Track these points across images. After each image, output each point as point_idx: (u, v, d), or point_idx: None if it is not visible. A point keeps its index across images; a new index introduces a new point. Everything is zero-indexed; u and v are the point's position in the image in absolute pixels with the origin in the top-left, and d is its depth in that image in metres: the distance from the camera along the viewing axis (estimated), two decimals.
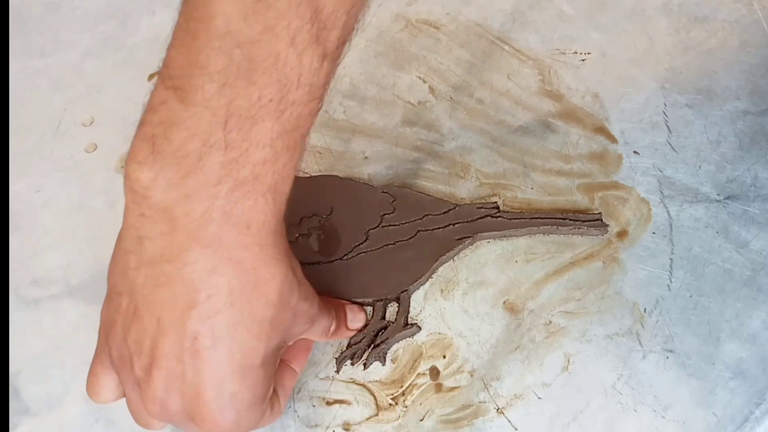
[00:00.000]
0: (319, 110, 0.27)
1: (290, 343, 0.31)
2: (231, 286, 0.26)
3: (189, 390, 0.27)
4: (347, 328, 0.35)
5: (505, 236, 0.38)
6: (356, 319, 0.35)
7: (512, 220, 0.37)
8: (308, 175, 0.40)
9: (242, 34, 0.24)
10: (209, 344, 0.26)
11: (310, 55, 0.25)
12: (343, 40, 0.27)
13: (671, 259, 0.37)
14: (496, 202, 0.39)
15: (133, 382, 0.28)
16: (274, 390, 0.30)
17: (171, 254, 0.26)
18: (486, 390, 0.34)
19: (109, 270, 0.28)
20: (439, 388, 0.34)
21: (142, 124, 0.26)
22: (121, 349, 0.28)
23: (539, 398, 0.34)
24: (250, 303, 0.27)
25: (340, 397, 0.34)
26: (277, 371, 0.31)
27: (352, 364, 0.35)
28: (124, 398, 0.30)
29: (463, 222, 0.37)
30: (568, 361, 0.34)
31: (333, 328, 0.33)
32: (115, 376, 0.29)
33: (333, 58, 0.27)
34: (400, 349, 0.35)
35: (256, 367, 0.27)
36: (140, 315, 0.27)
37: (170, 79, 0.25)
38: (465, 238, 0.37)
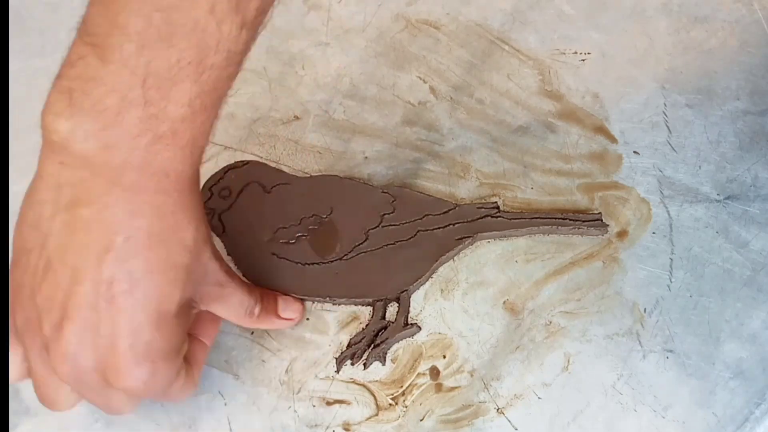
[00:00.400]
0: (237, 73, 0.28)
1: (202, 307, 0.30)
2: (150, 230, 0.27)
3: (103, 342, 0.27)
4: (279, 316, 0.35)
5: (505, 236, 0.38)
6: (289, 309, 0.35)
7: (512, 220, 0.37)
8: (308, 175, 0.40)
9: (162, 0, 0.25)
10: (126, 288, 0.27)
11: (229, 24, 0.26)
12: (263, 10, 0.28)
13: (671, 259, 0.37)
14: (496, 202, 0.39)
15: (40, 346, 0.28)
16: (187, 362, 0.31)
17: (90, 198, 0.26)
18: (486, 390, 0.34)
19: (16, 229, 0.28)
20: (439, 388, 0.34)
21: (58, 77, 0.26)
22: (28, 312, 0.28)
23: (539, 398, 0.34)
24: (168, 247, 0.27)
25: (340, 397, 0.34)
26: (189, 345, 0.31)
27: (352, 364, 0.35)
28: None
29: (463, 222, 0.37)
30: (568, 361, 0.34)
31: (257, 311, 0.33)
32: (21, 350, 0.29)
33: (252, 26, 0.28)
34: (400, 349, 0.35)
35: (171, 316, 0.28)
36: (53, 268, 0.27)
37: (88, 35, 0.26)
38: (465, 238, 0.37)
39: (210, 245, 0.30)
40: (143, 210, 0.27)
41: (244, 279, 0.34)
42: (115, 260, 0.26)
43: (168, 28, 0.25)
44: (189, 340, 0.32)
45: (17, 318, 0.28)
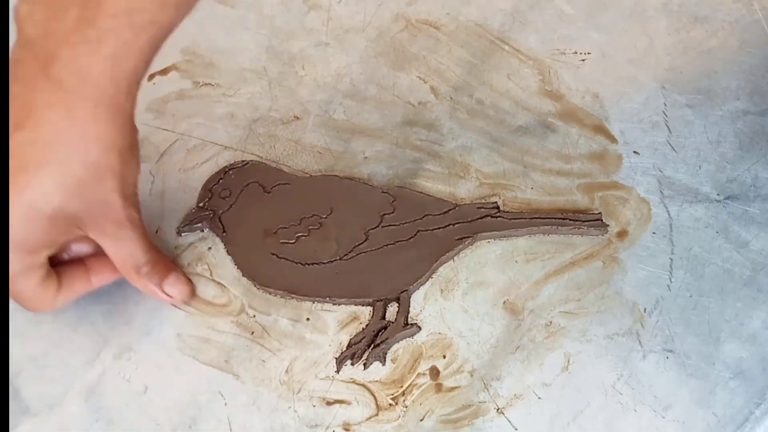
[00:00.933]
0: (176, 6, 0.30)
1: (90, 234, 0.31)
2: (57, 126, 0.29)
3: None
4: (161, 288, 0.34)
5: (505, 236, 0.38)
6: (175, 286, 0.35)
7: (512, 220, 0.37)
8: (308, 175, 0.40)
9: None
10: (15, 168, 0.29)
11: None
12: None
13: (671, 259, 0.37)
14: (496, 202, 0.39)
15: None
16: (58, 278, 0.32)
17: (22, 77, 0.29)
18: (486, 390, 0.34)
19: None
20: (439, 388, 0.34)
21: None
22: None
23: (539, 398, 0.34)
24: (67, 151, 0.29)
25: (340, 397, 0.34)
26: (72, 268, 0.33)
27: (352, 364, 0.35)
28: None
29: (463, 222, 0.37)
30: (568, 361, 0.34)
31: (145, 270, 0.33)
32: None
33: None
34: (400, 349, 0.35)
35: (41, 215, 0.29)
36: None
37: None
38: (465, 238, 0.37)
39: (119, 179, 0.31)
40: (57, 104, 0.29)
41: (148, 238, 0.34)
42: (19, 139, 0.29)
43: None
44: (75, 266, 0.33)
45: None
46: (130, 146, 0.31)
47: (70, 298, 0.34)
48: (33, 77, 0.29)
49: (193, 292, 0.36)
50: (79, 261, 0.34)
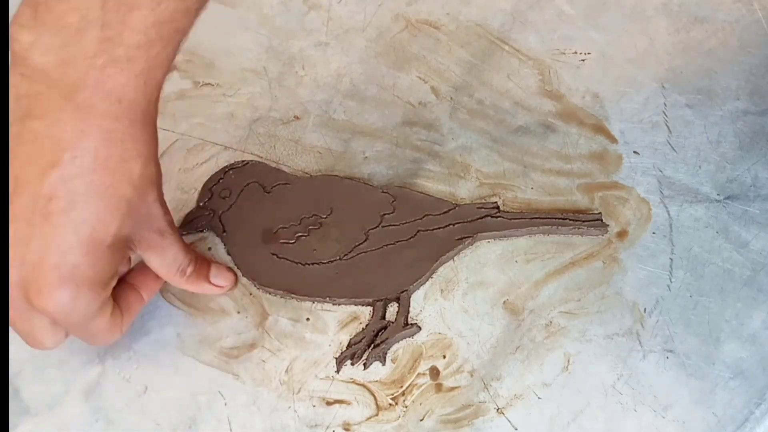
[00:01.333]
0: (196, 11, 0.29)
1: (138, 251, 0.30)
2: (98, 153, 0.27)
3: (31, 257, 0.27)
4: (209, 281, 0.34)
5: (505, 236, 0.38)
6: (221, 275, 0.35)
7: (512, 220, 0.37)
8: (308, 175, 0.40)
9: None
10: (63, 207, 0.27)
11: None
12: None
13: (671, 259, 0.37)
14: (496, 202, 0.38)
15: None
16: (118, 306, 0.31)
17: (42, 112, 0.27)
18: (486, 390, 0.34)
19: None
20: (439, 388, 0.34)
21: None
22: None
23: (539, 398, 0.34)
24: (113, 175, 0.28)
25: (340, 397, 0.34)
26: (124, 291, 0.32)
27: (352, 364, 0.35)
28: None
29: (463, 222, 0.37)
30: (568, 361, 0.34)
31: (190, 270, 0.33)
32: None
33: None
34: (400, 349, 0.35)
35: (104, 246, 0.28)
36: None
37: None
38: (465, 238, 0.37)
39: (157, 189, 0.30)
40: (93, 131, 0.27)
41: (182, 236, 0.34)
42: (58, 177, 0.27)
43: None
44: (126, 289, 0.32)
45: None
46: (157, 150, 0.30)
47: (132, 321, 0.33)
48: (57, 109, 0.27)
49: (236, 277, 0.36)
50: (123, 282, 0.33)
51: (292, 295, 0.36)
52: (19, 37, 0.27)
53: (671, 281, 0.36)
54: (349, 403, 0.34)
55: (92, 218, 0.27)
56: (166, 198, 0.39)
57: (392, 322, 0.36)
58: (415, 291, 0.36)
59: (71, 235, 0.27)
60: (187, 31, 0.29)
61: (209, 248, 0.38)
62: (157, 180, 0.30)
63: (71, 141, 0.27)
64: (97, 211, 0.28)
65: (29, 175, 0.27)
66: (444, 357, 0.35)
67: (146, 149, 0.29)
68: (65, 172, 0.27)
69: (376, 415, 0.34)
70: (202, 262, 0.34)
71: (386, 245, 0.37)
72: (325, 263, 0.37)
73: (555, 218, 0.37)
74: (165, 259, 0.32)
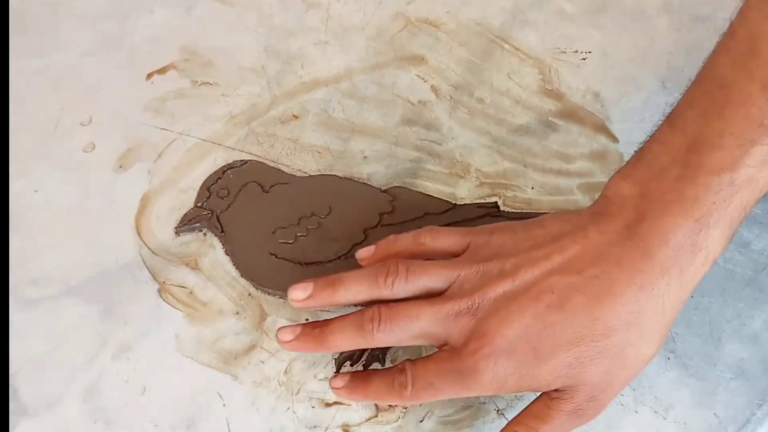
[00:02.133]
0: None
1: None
2: (632, 289, 0.28)
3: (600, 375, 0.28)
4: None
5: None
6: None
7: (512, 220, 0.37)
8: (307, 175, 0.40)
9: (726, 79, 0.29)
10: (628, 342, 0.29)
11: None
12: None
13: None
14: (496, 202, 0.38)
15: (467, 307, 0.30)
16: None
17: (603, 228, 0.30)
18: None
19: (547, 216, 0.32)
20: None
21: (642, 143, 0.31)
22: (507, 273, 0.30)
23: None
24: (654, 325, 0.29)
25: (339, 399, 0.34)
26: None
27: (352, 365, 0.35)
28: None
29: (463, 222, 0.37)
30: None
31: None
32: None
33: None
34: (400, 349, 0.35)
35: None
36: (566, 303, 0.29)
37: (672, 114, 0.31)
38: None
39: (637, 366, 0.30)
40: (627, 262, 0.29)
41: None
42: (579, 280, 0.29)
43: (725, 100, 0.28)
44: None
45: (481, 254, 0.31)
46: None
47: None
48: (615, 231, 0.29)
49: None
50: None
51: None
52: (617, 188, 0.31)
53: None
54: (348, 405, 0.34)
55: (644, 346, 0.29)
56: (165, 198, 0.40)
57: None
58: None
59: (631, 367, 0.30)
60: (761, 187, 0.29)
61: (208, 248, 0.38)
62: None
63: (606, 260, 0.29)
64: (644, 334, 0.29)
65: (557, 263, 0.29)
66: None
67: (657, 316, 0.29)
68: (576, 282, 0.29)
69: (376, 416, 0.33)
70: None
71: None
72: (324, 263, 0.36)
73: None
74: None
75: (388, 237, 0.33)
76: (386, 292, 0.31)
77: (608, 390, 0.29)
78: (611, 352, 0.28)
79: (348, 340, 0.31)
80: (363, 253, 0.33)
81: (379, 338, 0.30)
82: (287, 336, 0.32)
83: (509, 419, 0.33)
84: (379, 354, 0.35)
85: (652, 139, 0.31)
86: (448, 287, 0.31)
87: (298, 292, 0.32)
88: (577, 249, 0.30)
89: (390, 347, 0.35)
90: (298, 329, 0.32)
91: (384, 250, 0.33)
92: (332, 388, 0.32)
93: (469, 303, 0.30)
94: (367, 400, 0.33)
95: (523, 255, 0.30)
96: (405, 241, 0.33)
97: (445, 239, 0.33)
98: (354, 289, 0.32)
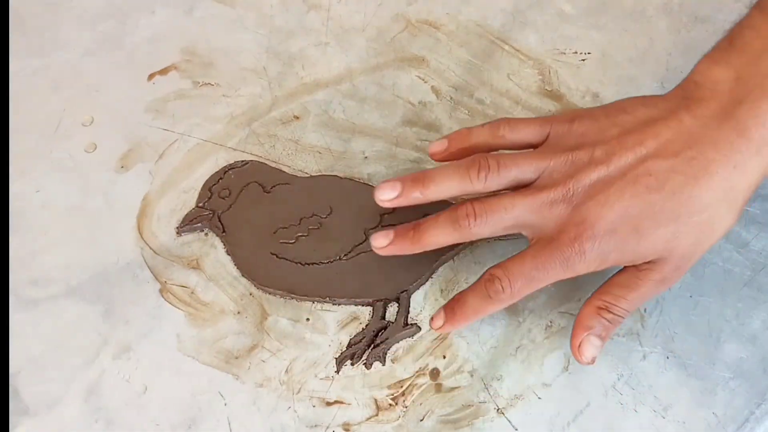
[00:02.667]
0: None
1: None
2: (709, 164, 0.30)
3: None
4: None
5: (506, 238, 0.37)
6: None
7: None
8: (308, 175, 0.40)
9: None
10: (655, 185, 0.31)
11: None
12: None
13: None
14: None
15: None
16: None
17: (694, 110, 0.31)
18: (486, 390, 0.34)
19: (627, 101, 0.33)
20: (439, 388, 0.34)
21: (729, 30, 0.33)
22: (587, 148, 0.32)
23: (539, 398, 0.34)
24: (724, 181, 0.30)
25: (339, 398, 0.34)
26: None
27: (352, 364, 0.35)
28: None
29: None
30: (568, 361, 0.34)
31: None
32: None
33: None
34: (400, 349, 0.35)
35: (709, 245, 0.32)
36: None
37: (760, 0, 0.32)
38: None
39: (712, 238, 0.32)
40: (722, 144, 0.30)
41: None
42: (668, 165, 0.30)
43: None
44: None
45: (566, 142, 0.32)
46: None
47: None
48: (710, 116, 0.31)
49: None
50: None
51: (292, 296, 0.36)
52: (709, 73, 0.32)
53: None
54: (348, 404, 0.34)
55: (724, 221, 0.31)
56: (167, 198, 0.40)
57: (392, 322, 0.35)
58: (415, 291, 0.36)
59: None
60: None
61: (209, 248, 0.38)
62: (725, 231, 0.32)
63: (699, 142, 0.30)
64: (719, 209, 0.31)
65: (652, 148, 0.31)
66: (444, 357, 0.35)
67: (744, 191, 0.31)
68: (675, 165, 0.30)
69: (376, 415, 0.34)
70: None
71: None
72: (325, 263, 0.36)
73: None
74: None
75: (459, 130, 0.35)
76: (479, 186, 0.32)
77: (692, 259, 0.32)
78: (704, 225, 0.30)
79: (444, 237, 0.32)
80: (435, 147, 0.35)
81: (476, 232, 0.32)
82: (382, 241, 0.33)
83: (509, 419, 0.33)
84: (380, 353, 0.35)
85: (743, 24, 0.32)
86: (538, 177, 0.32)
87: (387, 192, 0.33)
88: (671, 133, 0.31)
89: (390, 346, 0.35)
90: (391, 233, 0.33)
91: (458, 143, 0.34)
92: (435, 328, 0.34)
93: (564, 191, 0.31)
94: (470, 321, 0.33)
95: (615, 142, 0.31)
96: (481, 133, 0.34)
97: (524, 130, 0.34)
98: (445, 185, 0.33)
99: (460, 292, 0.33)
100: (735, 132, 0.30)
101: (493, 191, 0.33)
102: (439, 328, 0.34)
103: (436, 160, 0.35)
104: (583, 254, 0.31)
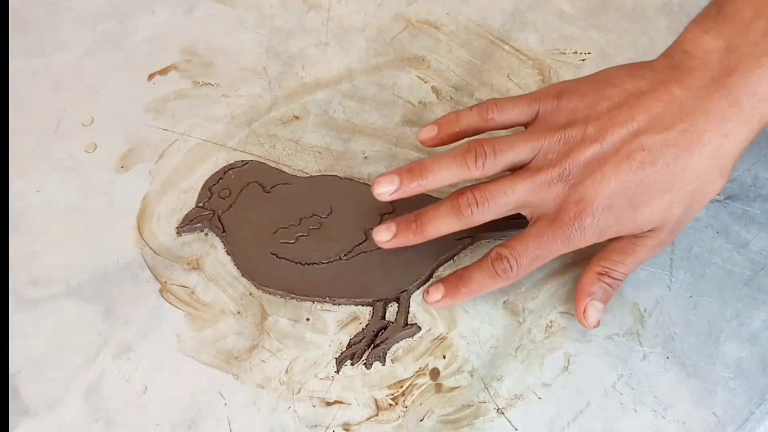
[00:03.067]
0: None
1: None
2: (701, 135, 0.31)
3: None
4: None
5: (505, 236, 0.38)
6: None
7: (512, 220, 0.37)
8: (308, 175, 0.40)
9: None
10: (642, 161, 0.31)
11: None
12: None
13: (671, 259, 0.37)
14: None
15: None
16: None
17: (688, 82, 0.31)
18: (486, 390, 0.34)
19: (612, 72, 0.33)
20: (439, 388, 0.34)
21: (713, 2, 0.33)
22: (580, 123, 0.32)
23: (539, 398, 0.34)
24: (690, 163, 0.31)
25: (339, 398, 0.34)
26: None
27: (352, 364, 0.35)
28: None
29: None
30: (568, 361, 0.34)
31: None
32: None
33: None
34: (400, 349, 0.35)
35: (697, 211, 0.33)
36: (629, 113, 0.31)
37: None
38: (465, 238, 0.37)
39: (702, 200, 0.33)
40: (714, 115, 0.30)
41: None
42: (662, 139, 0.30)
43: None
44: None
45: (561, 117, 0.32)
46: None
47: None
48: (700, 86, 0.31)
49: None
50: None
51: (292, 295, 0.36)
52: (699, 41, 0.31)
53: (671, 281, 0.36)
54: (348, 404, 0.34)
55: (712, 185, 0.32)
56: (167, 198, 0.40)
57: (392, 322, 0.36)
58: (415, 291, 0.36)
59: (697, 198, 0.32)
60: None
61: (209, 248, 0.38)
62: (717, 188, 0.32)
63: (693, 114, 0.30)
64: (712, 177, 0.31)
65: (643, 122, 0.31)
66: (444, 357, 0.35)
67: (729, 160, 0.31)
68: (668, 138, 0.30)
69: (376, 415, 0.34)
70: None
71: None
72: (325, 263, 0.36)
73: None
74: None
75: (448, 114, 0.35)
76: (476, 173, 0.33)
77: (686, 222, 0.33)
78: (696, 192, 0.31)
79: (448, 225, 0.33)
80: (425, 134, 0.35)
81: (478, 218, 0.33)
82: (385, 235, 0.34)
83: (509, 419, 0.33)
84: (380, 353, 0.35)
85: None
86: (533, 158, 0.32)
87: (385, 185, 0.33)
88: (662, 106, 0.31)
89: (390, 346, 0.35)
90: (393, 226, 0.34)
91: (447, 129, 0.35)
92: (430, 303, 0.34)
93: (560, 170, 0.32)
94: (473, 297, 0.34)
95: (605, 117, 0.32)
96: (470, 117, 0.34)
97: (513, 111, 0.34)
98: (442, 174, 0.33)
99: (463, 269, 0.34)
100: (726, 102, 0.30)
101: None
102: (436, 302, 0.34)
103: (427, 146, 0.36)
104: (583, 231, 0.31)
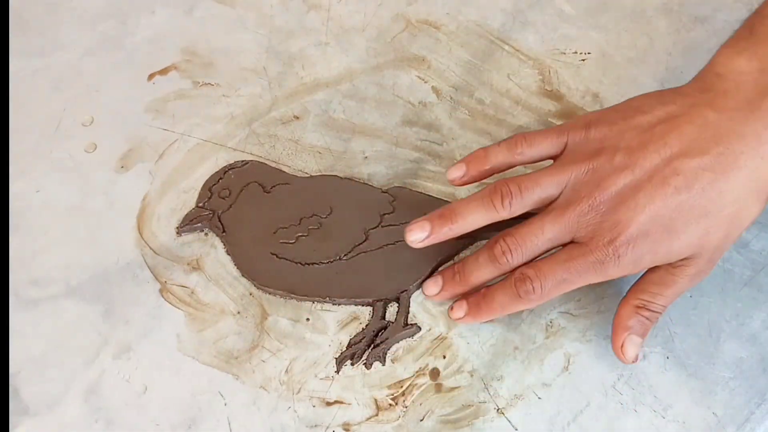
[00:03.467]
0: None
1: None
2: (737, 159, 0.30)
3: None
4: None
5: None
6: None
7: (512, 220, 0.37)
8: (308, 175, 0.40)
9: None
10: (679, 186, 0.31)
11: None
12: None
13: None
14: None
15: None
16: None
17: (721, 106, 0.31)
18: (486, 390, 0.34)
19: (641, 99, 0.33)
20: (439, 388, 0.34)
21: (748, 20, 0.33)
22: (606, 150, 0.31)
23: (539, 398, 0.34)
24: (719, 189, 0.30)
25: (339, 398, 0.34)
26: None
27: (352, 364, 0.35)
28: None
29: None
30: (568, 361, 0.34)
31: None
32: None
33: None
34: (400, 349, 0.35)
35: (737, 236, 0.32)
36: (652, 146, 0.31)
37: None
38: (465, 238, 0.37)
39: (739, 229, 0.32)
40: (749, 140, 0.30)
41: None
42: (694, 164, 0.30)
43: None
44: None
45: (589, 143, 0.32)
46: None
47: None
48: (736, 108, 0.30)
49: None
50: None
51: (292, 295, 0.36)
52: (730, 64, 0.32)
53: None
54: (348, 404, 0.34)
55: (749, 211, 0.31)
56: (167, 198, 0.40)
57: (392, 322, 0.36)
58: (415, 291, 0.36)
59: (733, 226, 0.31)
60: None
61: (209, 248, 0.38)
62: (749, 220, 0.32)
63: (726, 137, 0.30)
64: (750, 206, 0.31)
65: (677, 147, 0.30)
66: (444, 357, 0.35)
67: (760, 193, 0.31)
68: (703, 163, 0.30)
69: (376, 415, 0.34)
70: None
71: (386, 245, 0.37)
72: (325, 263, 0.36)
73: None
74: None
75: (476, 152, 0.35)
76: (504, 214, 0.33)
77: (724, 249, 0.32)
78: (733, 217, 0.31)
79: (488, 273, 0.33)
80: (454, 173, 0.35)
81: (516, 262, 0.33)
82: (433, 290, 0.35)
83: (509, 419, 0.33)
84: (380, 353, 0.35)
85: (762, 13, 0.31)
86: (561, 192, 0.32)
87: (417, 233, 0.33)
88: (695, 130, 0.30)
89: (390, 346, 0.35)
90: (440, 280, 0.35)
91: (476, 166, 0.34)
92: (454, 318, 0.34)
93: (590, 202, 0.31)
94: (494, 317, 0.34)
95: (636, 144, 0.31)
96: (498, 152, 0.34)
97: (542, 144, 0.34)
98: (471, 217, 0.33)
99: (487, 288, 0.34)
100: (762, 124, 0.30)
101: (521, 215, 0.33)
102: (459, 319, 0.34)
103: (455, 185, 0.35)
104: (618, 258, 0.30)
